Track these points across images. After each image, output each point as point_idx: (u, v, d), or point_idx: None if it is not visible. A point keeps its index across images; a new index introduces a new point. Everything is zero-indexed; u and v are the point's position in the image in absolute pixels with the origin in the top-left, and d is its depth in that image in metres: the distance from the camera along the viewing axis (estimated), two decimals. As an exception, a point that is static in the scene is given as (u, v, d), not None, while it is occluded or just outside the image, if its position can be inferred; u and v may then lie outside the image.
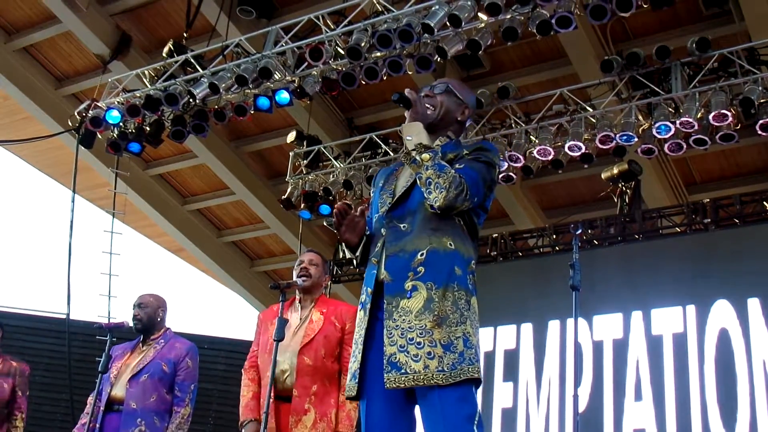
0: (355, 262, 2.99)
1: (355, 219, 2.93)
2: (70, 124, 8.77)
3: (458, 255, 2.79)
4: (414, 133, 2.84)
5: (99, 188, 10.98)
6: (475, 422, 2.62)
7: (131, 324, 5.14)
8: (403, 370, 2.62)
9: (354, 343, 2.86)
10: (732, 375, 6.74)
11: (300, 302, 4.35)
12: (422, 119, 2.90)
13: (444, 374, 2.61)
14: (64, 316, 8.20)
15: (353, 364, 2.82)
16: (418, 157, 2.77)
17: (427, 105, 3.00)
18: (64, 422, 7.70)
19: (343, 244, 2.97)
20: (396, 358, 2.64)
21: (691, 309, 7.13)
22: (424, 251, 2.75)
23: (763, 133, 7.05)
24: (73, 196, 8.71)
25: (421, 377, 2.60)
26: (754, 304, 6.88)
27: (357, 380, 2.77)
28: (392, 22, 6.73)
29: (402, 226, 2.83)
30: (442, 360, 2.62)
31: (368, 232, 3.00)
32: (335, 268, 10.11)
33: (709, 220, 7.72)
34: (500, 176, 8.18)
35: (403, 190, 2.91)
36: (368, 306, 2.82)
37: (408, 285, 2.72)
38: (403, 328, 2.67)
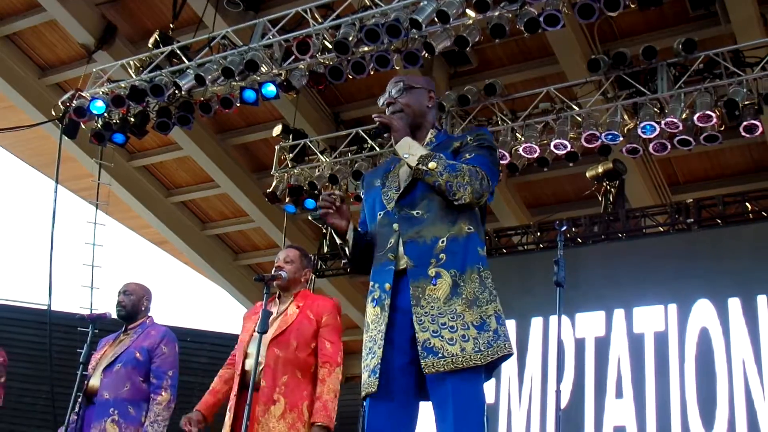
0: (345, 251, 2.96)
1: (339, 205, 2.90)
2: (53, 113, 8.71)
3: (477, 237, 2.84)
4: (407, 149, 2.84)
5: (82, 179, 10.90)
6: (485, 415, 2.66)
7: (114, 315, 5.10)
8: (440, 355, 2.62)
9: (371, 340, 2.82)
10: (711, 374, 6.79)
11: (279, 298, 4.36)
12: (405, 132, 2.90)
13: (482, 354, 2.65)
14: (45, 307, 8.13)
15: (371, 360, 2.77)
16: (425, 168, 2.77)
17: (395, 112, 2.99)
18: (45, 413, 7.67)
19: (333, 230, 2.94)
20: (431, 343, 2.65)
21: (672, 308, 7.18)
22: (444, 239, 2.77)
23: (747, 135, 7.10)
24: (55, 187, 8.63)
25: (459, 360, 2.62)
26: (734, 304, 6.94)
27: (378, 376, 2.72)
28: (380, 16, 6.72)
29: (415, 212, 2.83)
30: (477, 341, 2.66)
31: (362, 231, 3.01)
32: (319, 262, 10.10)
33: (692, 220, 7.77)
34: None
35: (408, 180, 2.89)
36: (386, 302, 2.79)
37: (432, 271, 2.73)
38: (432, 315, 2.68)
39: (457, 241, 2.78)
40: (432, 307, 2.68)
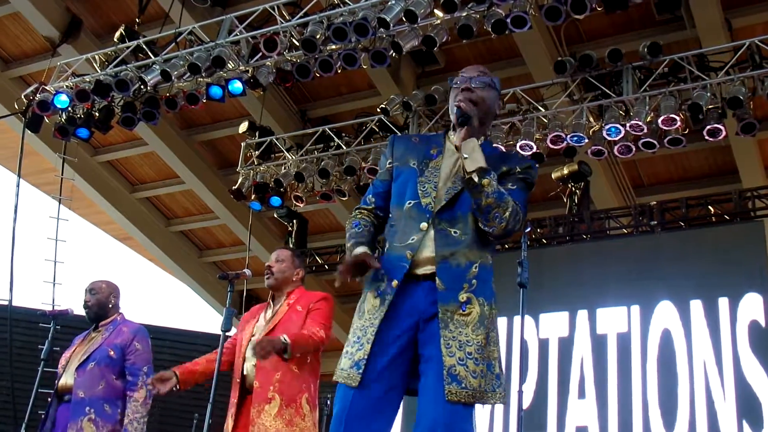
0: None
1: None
2: (16, 107, 8.59)
3: (493, 272, 2.77)
4: (470, 152, 2.67)
5: (45, 173, 10.74)
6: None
7: (75, 312, 5.04)
8: (463, 385, 2.57)
9: (362, 329, 2.71)
10: (673, 375, 6.87)
11: (272, 300, 4.32)
12: (476, 132, 2.76)
13: (488, 394, 2.62)
14: (6, 302, 8.01)
15: (358, 352, 2.68)
16: (477, 181, 2.63)
17: (466, 100, 2.82)
18: (4, 409, 7.55)
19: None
20: (456, 370, 2.58)
21: (635, 309, 7.25)
22: (477, 264, 2.70)
23: (710, 139, 7.19)
24: (18, 181, 8.50)
25: (478, 394, 2.59)
26: (696, 306, 7.03)
27: (361, 371, 2.64)
28: (348, 15, 6.71)
29: (453, 231, 2.72)
30: (486, 378, 2.62)
31: (375, 204, 2.93)
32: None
33: (656, 222, 7.87)
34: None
35: (452, 194, 2.76)
36: (389, 299, 2.68)
37: (463, 297, 2.65)
38: (461, 341, 2.61)
39: (485, 269, 2.72)
40: (460, 332, 2.62)
